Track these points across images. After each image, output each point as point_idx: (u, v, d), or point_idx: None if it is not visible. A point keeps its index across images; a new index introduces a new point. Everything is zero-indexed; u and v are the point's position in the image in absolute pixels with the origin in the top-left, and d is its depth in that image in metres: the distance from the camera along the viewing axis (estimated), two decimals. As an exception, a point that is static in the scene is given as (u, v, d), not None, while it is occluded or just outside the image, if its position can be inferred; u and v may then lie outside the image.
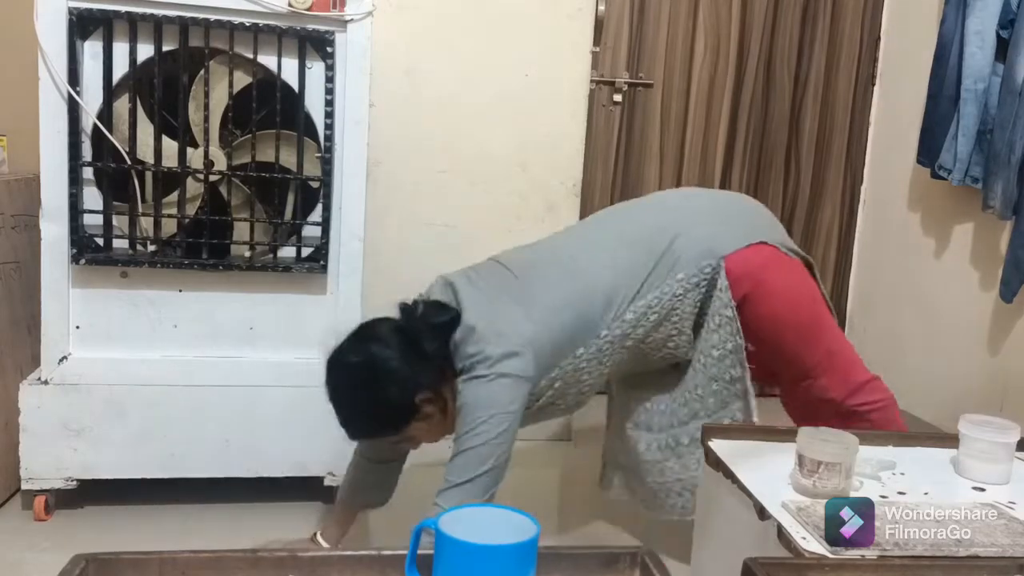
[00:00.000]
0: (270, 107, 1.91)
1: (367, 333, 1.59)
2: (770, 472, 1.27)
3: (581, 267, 1.67)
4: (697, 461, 1.63)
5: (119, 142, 1.87)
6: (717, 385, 1.73)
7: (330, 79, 1.93)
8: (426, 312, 1.59)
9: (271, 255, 2.00)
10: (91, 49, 1.85)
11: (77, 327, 1.95)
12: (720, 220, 1.76)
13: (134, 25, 1.84)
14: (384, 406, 1.54)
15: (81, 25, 1.83)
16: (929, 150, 2.59)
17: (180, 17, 1.84)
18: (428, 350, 1.54)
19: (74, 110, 1.84)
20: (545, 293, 1.62)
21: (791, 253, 1.76)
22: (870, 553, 1.00)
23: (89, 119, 1.86)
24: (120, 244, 1.93)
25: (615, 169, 3.01)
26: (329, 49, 1.91)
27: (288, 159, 1.94)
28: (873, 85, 3.12)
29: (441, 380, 1.57)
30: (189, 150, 1.91)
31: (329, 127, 1.94)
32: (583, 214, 2.78)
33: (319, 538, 1.73)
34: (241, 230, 1.97)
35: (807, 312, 1.74)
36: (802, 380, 1.77)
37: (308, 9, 1.88)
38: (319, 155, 1.95)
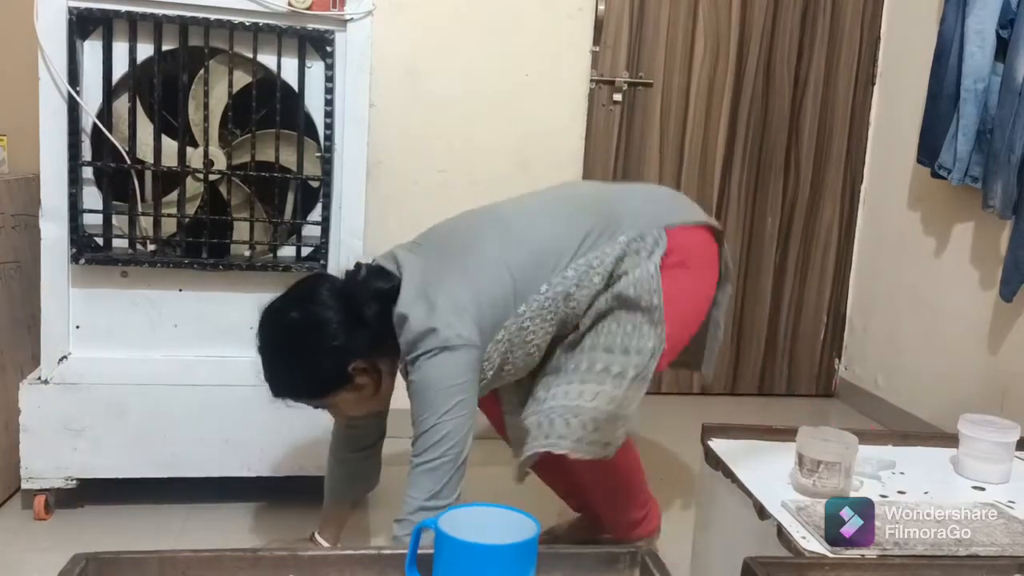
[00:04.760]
0: (270, 107, 1.91)
1: (307, 292, 1.54)
2: (770, 472, 1.28)
3: (520, 228, 1.65)
4: (594, 394, 1.56)
5: (119, 142, 1.87)
6: (630, 314, 1.64)
7: (330, 79, 1.93)
8: (368, 277, 1.56)
9: (271, 255, 2.00)
10: (91, 49, 1.86)
11: (77, 327, 1.95)
12: (659, 199, 1.84)
13: (134, 25, 1.84)
14: (315, 370, 1.50)
15: (81, 25, 1.83)
16: (929, 150, 2.59)
17: (180, 17, 1.84)
18: (368, 317, 1.50)
19: (74, 110, 1.84)
20: (483, 255, 1.59)
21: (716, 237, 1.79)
22: (870, 553, 1.00)
23: (89, 119, 1.86)
24: (120, 244, 1.93)
25: (615, 169, 3.01)
26: (329, 49, 1.91)
27: (288, 159, 1.94)
28: (873, 85, 3.12)
29: (378, 351, 1.52)
30: (189, 150, 1.91)
31: (329, 127, 1.94)
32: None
33: (318, 537, 1.73)
34: (241, 230, 1.97)
35: (695, 308, 1.77)
36: None
37: (308, 9, 1.88)
38: (319, 155, 1.95)
